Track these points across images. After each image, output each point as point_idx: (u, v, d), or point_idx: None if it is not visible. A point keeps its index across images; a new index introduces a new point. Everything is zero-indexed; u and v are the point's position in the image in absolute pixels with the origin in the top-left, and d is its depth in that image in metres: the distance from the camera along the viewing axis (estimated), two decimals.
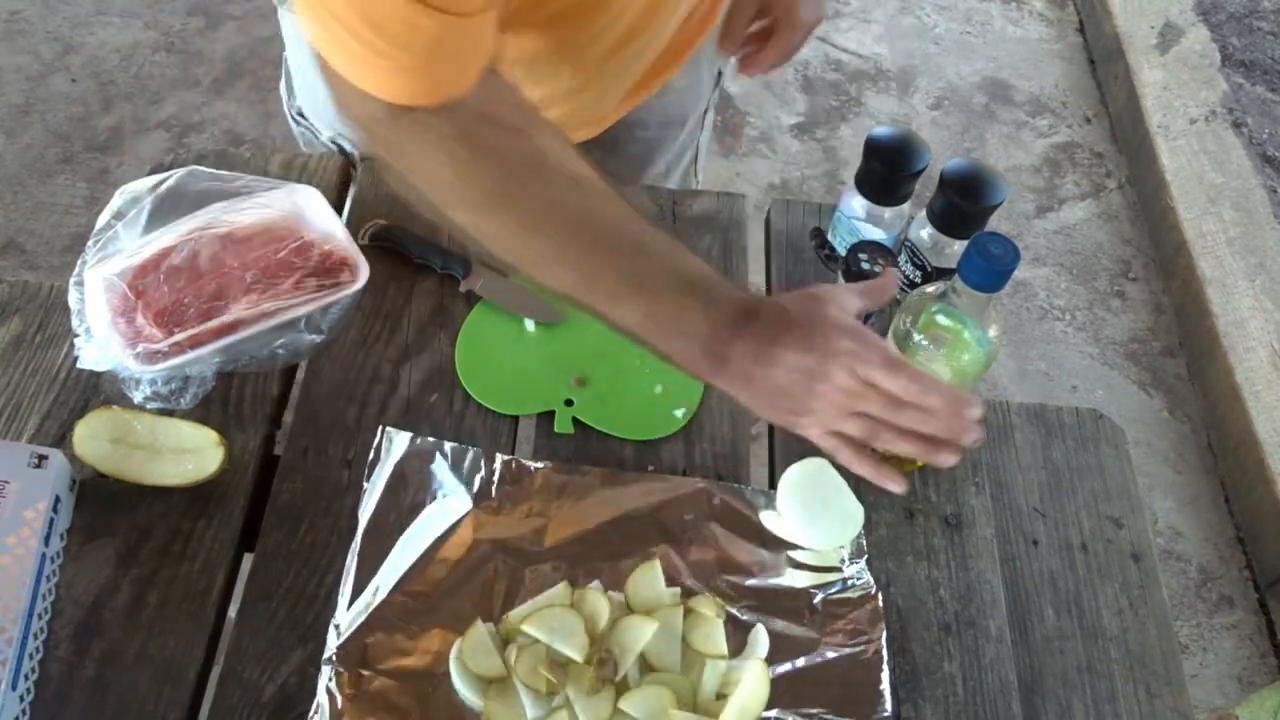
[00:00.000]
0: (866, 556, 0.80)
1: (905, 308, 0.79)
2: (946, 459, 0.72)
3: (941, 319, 0.77)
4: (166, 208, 0.90)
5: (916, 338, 0.77)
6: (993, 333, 0.76)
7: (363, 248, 0.91)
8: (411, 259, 0.93)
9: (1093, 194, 2.32)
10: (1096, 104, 2.50)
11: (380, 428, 0.82)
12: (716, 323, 0.71)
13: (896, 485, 0.74)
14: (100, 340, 0.84)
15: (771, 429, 0.89)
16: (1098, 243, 2.24)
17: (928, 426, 0.70)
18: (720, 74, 1.14)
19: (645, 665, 0.74)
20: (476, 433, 0.85)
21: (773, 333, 0.71)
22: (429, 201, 0.73)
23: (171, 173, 0.92)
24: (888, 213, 0.92)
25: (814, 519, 0.79)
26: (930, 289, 0.78)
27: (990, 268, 0.70)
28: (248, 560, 0.79)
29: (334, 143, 1.06)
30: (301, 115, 1.08)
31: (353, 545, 0.76)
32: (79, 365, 0.84)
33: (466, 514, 0.79)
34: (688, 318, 0.71)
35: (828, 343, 0.70)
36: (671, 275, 0.72)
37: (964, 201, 0.87)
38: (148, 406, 0.82)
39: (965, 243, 0.89)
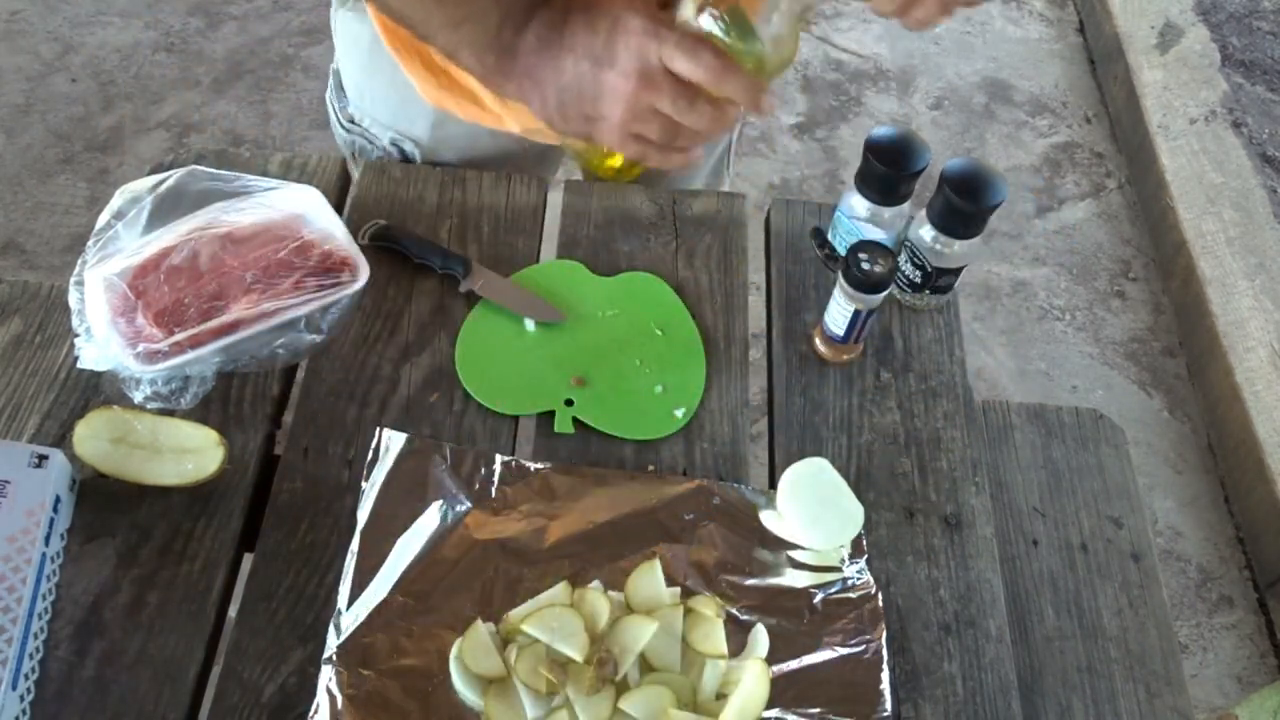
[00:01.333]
0: (866, 556, 0.80)
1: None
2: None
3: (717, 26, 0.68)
4: (166, 208, 0.90)
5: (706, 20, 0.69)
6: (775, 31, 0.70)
7: (363, 248, 0.91)
8: (411, 259, 0.93)
9: (1093, 194, 2.32)
10: (1096, 104, 2.50)
11: (379, 428, 0.82)
12: (509, 8, 0.68)
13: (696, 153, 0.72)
14: (100, 340, 0.84)
15: (771, 429, 0.89)
16: (1098, 243, 2.24)
17: (724, 117, 0.68)
18: None
19: (645, 665, 0.74)
20: (476, 433, 0.85)
21: (560, 17, 0.68)
22: None
23: (171, 173, 0.92)
24: (888, 213, 0.92)
25: (814, 519, 0.79)
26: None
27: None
28: (248, 560, 0.79)
29: (394, 145, 1.03)
30: (353, 121, 1.06)
31: (353, 545, 0.76)
32: (79, 365, 0.84)
33: (466, 514, 0.79)
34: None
35: (615, 21, 0.66)
36: None
37: (964, 201, 0.87)
38: (148, 406, 0.82)
39: (965, 243, 0.89)
